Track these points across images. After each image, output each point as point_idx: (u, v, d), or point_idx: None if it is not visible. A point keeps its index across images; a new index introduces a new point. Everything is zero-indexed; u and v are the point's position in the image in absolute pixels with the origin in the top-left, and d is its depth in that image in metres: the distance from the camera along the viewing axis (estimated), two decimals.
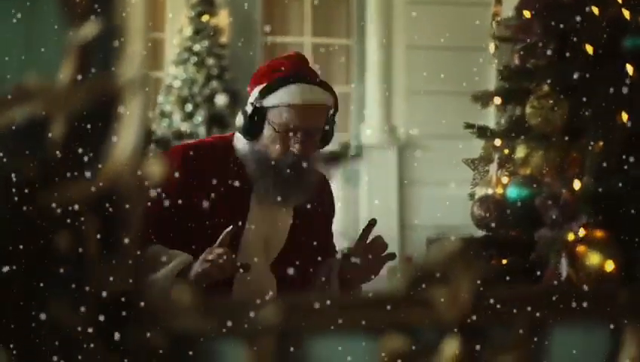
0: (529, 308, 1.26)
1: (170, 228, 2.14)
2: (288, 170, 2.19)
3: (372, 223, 2.23)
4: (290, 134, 2.19)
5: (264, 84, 2.25)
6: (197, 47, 7.61)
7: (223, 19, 7.76)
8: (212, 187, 2.17)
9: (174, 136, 7.49)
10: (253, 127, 2.22)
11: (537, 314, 1.26)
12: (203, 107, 7.66)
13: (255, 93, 2.26)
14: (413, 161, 7.24)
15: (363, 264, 2.21)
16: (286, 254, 2.26)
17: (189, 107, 7.65)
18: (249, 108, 2.24)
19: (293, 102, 2.20)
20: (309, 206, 2.24)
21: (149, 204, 2.07)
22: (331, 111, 2.27)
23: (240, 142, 2.26)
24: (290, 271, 2.19)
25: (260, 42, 7.82)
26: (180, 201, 2.13)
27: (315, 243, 2.24)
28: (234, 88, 7.62)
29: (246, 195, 2.23)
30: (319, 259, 2.25)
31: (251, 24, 7.74)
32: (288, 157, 2.19)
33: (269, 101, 2.22)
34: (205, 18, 7.64)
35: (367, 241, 2.22)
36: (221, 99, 7.59)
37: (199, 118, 7.57)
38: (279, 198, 2.21)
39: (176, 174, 2.14)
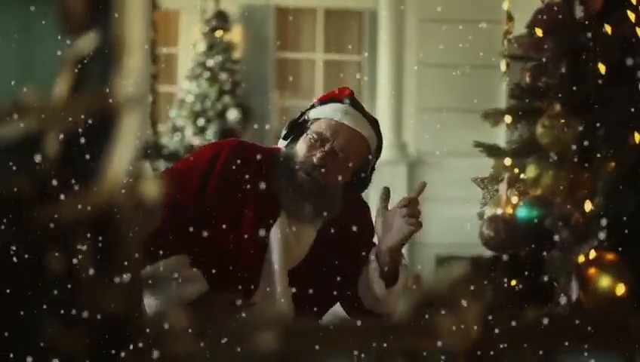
0: (539, 335, 1.22)
1: (200, 221, 2.18)
2: (304, 176, 2.21)
3: (424, 184, 2.32)
4: (319, 144, 2.22)
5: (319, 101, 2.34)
6: (210, 62, 7.62)
7: (236, 34, 7.77)
8: (248, 185, 2.22)
9: (186, 151, 7.49)
10: (293, 131, 2.29)
11: (547, 341, 1.23)
12: (215, 122, 7.66)
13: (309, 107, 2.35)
14: (424, 177, 7.21)
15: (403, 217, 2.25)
16: (302, 268, 2.27)
17: (201, 122, 7.65)
18: (297, 116, 2.33)
19: (333, 117, 2.26)
20: (334, 231, 2.26)
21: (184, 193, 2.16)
22: (370, 156, 2.32)
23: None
24: (303, 284, 2.22)
25: (272, 58, 7.82)
26: (215, 195, 2.19)
27: (335, 264, 2.25)
28: (246, 103, 7.61)
29: (278, 203, 2.25)
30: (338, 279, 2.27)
31: (264, 40, 7.75)
32: (307, 163, 2.21)
33: (315, 113, 2.30)
34: (219, 33, 7.65)
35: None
36: (233, 114, 7.59)
37: (211, 132, 7.57)
38: (291, 202, 2.22)
39: (217, 166, 2.23)
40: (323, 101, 2.32)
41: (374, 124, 2.35)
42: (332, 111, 2.27)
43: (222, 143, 2.33)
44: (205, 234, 2.17)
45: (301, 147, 2.25)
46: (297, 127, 2.30)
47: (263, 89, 7.80)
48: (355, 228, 2.29)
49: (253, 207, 2.21)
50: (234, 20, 7.78)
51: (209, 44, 7.65)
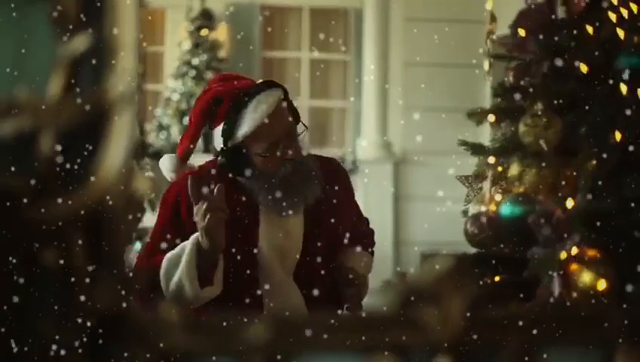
0: (521, 329, 1.25)
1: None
2: (292, 177, 2.17)
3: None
4: (276, 151, 2.16)
5: (221, 125, 2.19)
6: (196, 61, 7.61)
7: (221, 33, 7.77)
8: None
9: (172, 149, 7.49)
10: (239, 164, 2.18)
11: (529, 335, 1.25)
12: None
13: (218, 135, 2.21)
14: (409, 175, 7.23)
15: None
16: (304, 263, 2.22)
17: (186, 120, 7.64)
18: (223, 153, 2.20)
19: (263, 119, 2.15)
20: (318, 204, 2.21)
21: (157, 230, 2.13)
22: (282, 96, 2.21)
23: None
24: (311, 278, 2.19)
25: (257, 56, 7.82)
26: (187, 226, 2.12)
27: (334, 241, 2.24)
28: None
29: (254, 211, 2.20)
30: (348, 243, 2.25)
31: (249, 39, 7.75)
32: (287, 166, 2.17)
33: (239, 134, 2.17)
34: (204, 32, 7.65)
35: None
36: None
37: None
38: (289, 207, 2.18)
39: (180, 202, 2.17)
40: (230, 121, 2.17)
41: (261, 82, 2.24)
42: (257, 116, 2.16)
43: (174, 185, 2.24)
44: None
45: (263, 163, 2.17)
46: (235, 154, 2.18)
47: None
48: (335, 189, 2.25)
49: (229, 227, 2.14)
50: (219, 19, 7.78)
51: (195, 43, 7.64)
